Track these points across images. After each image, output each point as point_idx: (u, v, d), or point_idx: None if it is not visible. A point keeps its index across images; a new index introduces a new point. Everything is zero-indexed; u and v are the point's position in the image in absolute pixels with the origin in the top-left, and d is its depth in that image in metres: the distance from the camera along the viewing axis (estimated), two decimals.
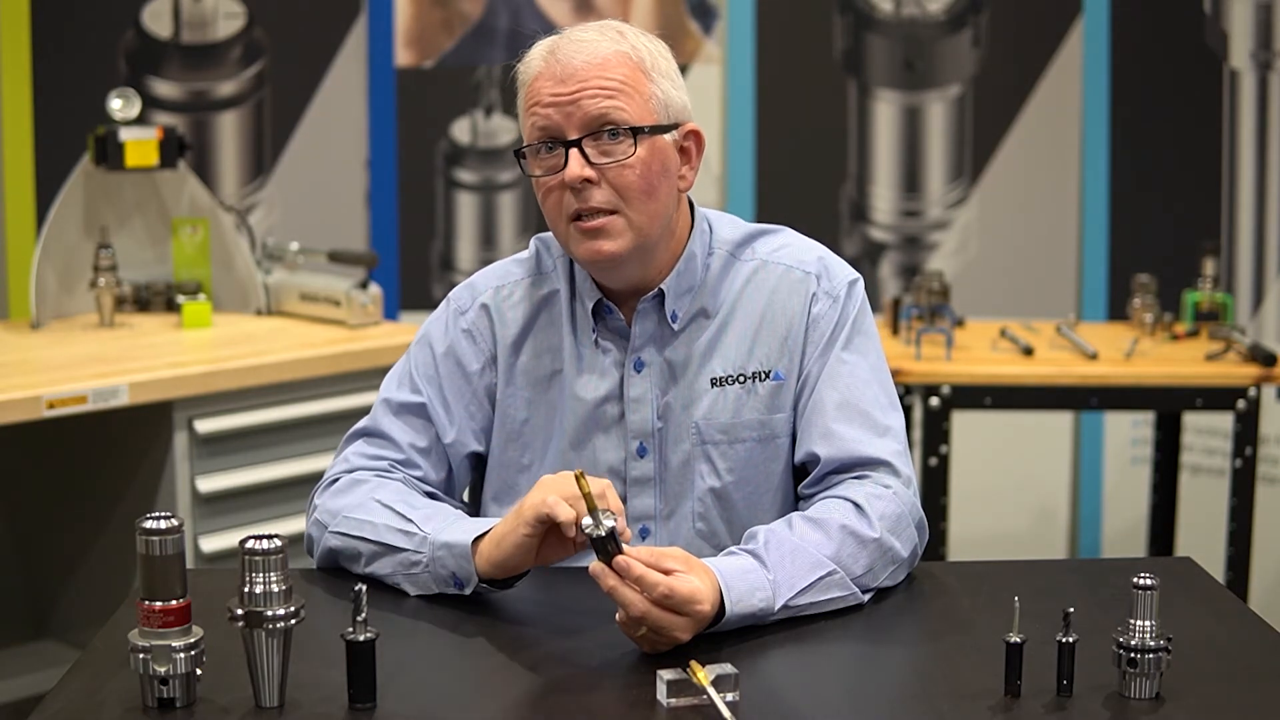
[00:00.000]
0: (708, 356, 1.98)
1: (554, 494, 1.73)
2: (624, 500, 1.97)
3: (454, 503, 2.02)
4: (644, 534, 1.98)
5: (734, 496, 1.97)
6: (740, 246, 2.02)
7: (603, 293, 1.98)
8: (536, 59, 1.91)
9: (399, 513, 1.87)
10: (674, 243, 1.97)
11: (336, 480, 1.99)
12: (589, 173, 1.87)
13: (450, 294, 2.07)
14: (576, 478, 1.64)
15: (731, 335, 1.98)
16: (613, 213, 1.89)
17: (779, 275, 1.99)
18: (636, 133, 1.88)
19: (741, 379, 1.97)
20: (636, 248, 1.91)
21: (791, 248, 2.02)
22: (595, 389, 1.98)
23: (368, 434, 2.03)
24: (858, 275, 2.02)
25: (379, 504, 1.90)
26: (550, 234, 2.03)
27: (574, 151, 1.87)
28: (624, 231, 1.89)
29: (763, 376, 1.97)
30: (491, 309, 2.02)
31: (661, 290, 1.96)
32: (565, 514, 1.71)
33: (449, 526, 1.83)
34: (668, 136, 1.92)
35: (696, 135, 1.97)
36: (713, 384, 1.97)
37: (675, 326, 1.97)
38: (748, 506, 1.97)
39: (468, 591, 1.81)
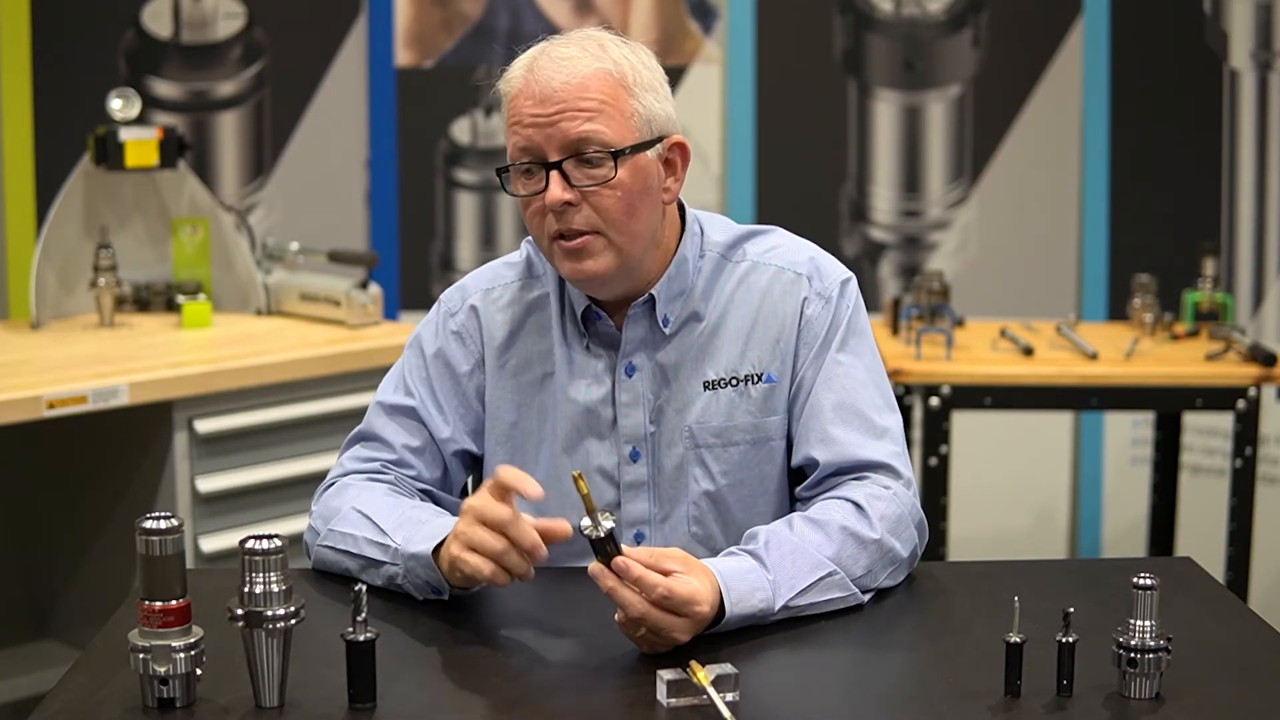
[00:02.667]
0: (700, 360, 1.97)
1: (464, 542, 1.71)
2: (618, 505, 1.97)
3: (453, 500, 2.02)
4: (639, 538, 1.97)
5: (729, 499, 1.97)
6: (731, 248, 2.01)
7: (591, 299, 1.97)
8: (517, 76, 1.89)
9: (375, 523, 1.87)
10: (661, 251, 1.96)
11: (331, 485, 2.00)
12: (569, 195, 1.85)
13: (441, 296, 2.07)
14: (575, 479, 1.64)
15: (724, 338, 1.97)
16: (594, 233, 1.88)
17: (770, 277, 1.98)
18: (617, 155, 1.86)
19: (734, 381, 1.96)
20: (620, 267, 1.90)
21: (783, 248, 2.01)
22: (587, 393, 1.97)
23: (363, 438, 2.04)
24: (850, 274, 2.01)
25: (359, 514, 1.89)
26: None
27: (554, 174, 1.85)
28: (604, 251, 1.88)
29: (755, 379, 1.96)
30: (480, 311, 2.02)
31: (652, 296, 1.96)
32: (476, 570, 1.69)
33: (415, 534, 1.82)
34: (650, 153, 1.90)
35: (681, 147, 1.94)
36: (705, 387, 1.96)
37: (666, 331, 1.96)
38: (743, 509, 1.97)
39: (446, 597, 1.81)
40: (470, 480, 2.10)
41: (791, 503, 1.99)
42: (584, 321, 1.97)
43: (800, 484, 1.96)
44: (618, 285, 1.93)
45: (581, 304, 1.96)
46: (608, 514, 1.63)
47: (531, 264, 2.03)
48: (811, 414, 1.94)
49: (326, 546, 1.92)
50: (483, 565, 1.70)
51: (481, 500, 1.72)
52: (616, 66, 1.88)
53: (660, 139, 1.91)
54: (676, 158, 1.94)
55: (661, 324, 1.96)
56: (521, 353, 2.01)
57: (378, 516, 1.88)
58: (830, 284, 1.98)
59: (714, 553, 1.84)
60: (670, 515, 1.97)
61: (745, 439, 1.96)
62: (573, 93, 1.85)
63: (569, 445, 1.98)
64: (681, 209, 2.01)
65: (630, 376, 1.96)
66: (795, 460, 1.96)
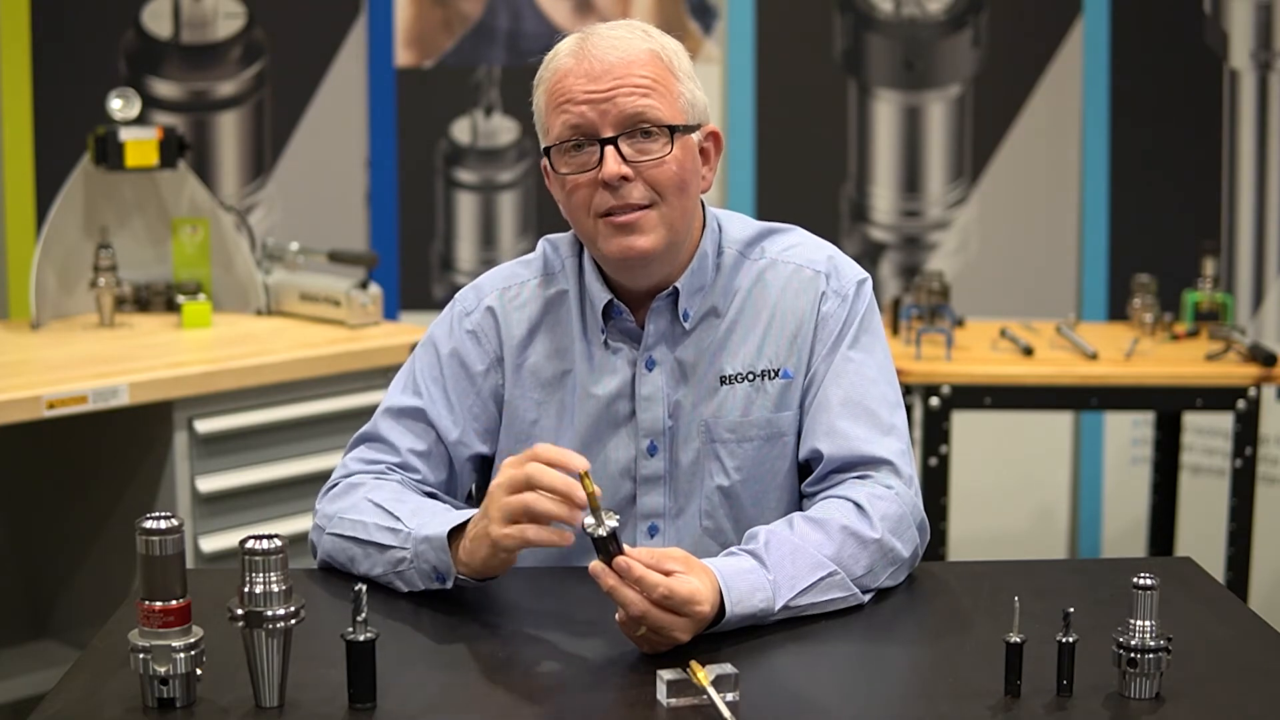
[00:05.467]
0: (718, 355, 1.98)
1: (511, 514, 1.72)
2: (634, 499, 1.97)
3: (454, 503, 2.02)
4: (653, 532, 1.98)
5: (741, 495, 1.97)
6: (750, 245, 2.02)
7: (613, 293, 1.98)
8: (564, 55, 1.90)
9: (388, 511, 1.88)
10: (688, 244, 1.98)
11: (335, 486, 2.00)
12: (626, 170, 1.87)
13: (456, 296, 2.07)
14: (581, 477, 1.64)
15: (741, 334, 1.98)
16: (648, 206, 1.89)
17: (789, 274, 2.00)
18: (672, 131, 1.88)
19: (751, 377, 1.97)
20: (668, 245, 1.91)
21: (801, 247, 2.03)
22: (606, 388, 1.98)
23: (368, 439, 2.04)
24: (866, 275, 2.03)
25: (371, 504, 1.90)
26: (558, 235, 2.04)
27: (610, 149, 1.87)
28: (657, 226, 1.89)
29: (772, 375, 1.97)
30: (497, 311, 2.02)
31: (676, 289, 1.96)
32: (538, 540, 1.71)
33: (430, 520, 1.83)
34: (694, 136, 1.93)
35: (716, 136, 1.98)
36: (723, 382, 1.97)
37: (687, 325, 1.97)
38: (755, 505, 1.97)
39: (449, 585, 1.81)
40: (475, 486, 2.10)
41: (801, 498, 1.99)
42: (604, 316, 1.97)
43: (806, 479, 1.97)
44: (656, 269, 1.94)
45: (603, 299, 1.97)
46: (611, 513, 1.64)
47: (548, 262, 2.04)
48: (819, 407, 1.95)
49: (334, 534, 1.92)
50: (548, 535, 1.70)
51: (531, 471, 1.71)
52: (664, 50, 1.92)
53: (699, 126, 1.94)
54: (711, 147, 1.97)
55: (682, 318, 1.97)
56: (540, 351, 2.01)
57: (390, 505, 1.89)
58: (847, 282, 2.00)
59: (725, 547, 1.85)
60: (684, 510, 1.98)
61: (760, 434, 1.97)
62: (627, 70, 1.87)
63: (588, 440, 1.98)
64: (701, 206, 2.01)
65: (650, 371, 1.97)
66: (801, 454, 1.97)
